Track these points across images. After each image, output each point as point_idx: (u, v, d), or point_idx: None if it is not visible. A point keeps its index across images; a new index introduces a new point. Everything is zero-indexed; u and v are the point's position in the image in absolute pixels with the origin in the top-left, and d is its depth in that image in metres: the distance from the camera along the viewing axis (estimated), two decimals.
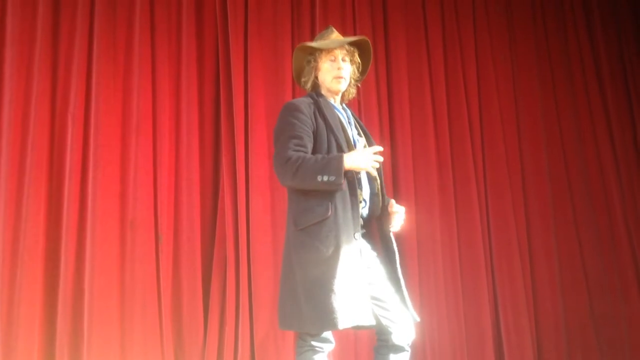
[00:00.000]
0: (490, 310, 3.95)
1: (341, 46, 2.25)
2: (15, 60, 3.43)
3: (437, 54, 4.28)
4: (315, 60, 2.26)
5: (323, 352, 2.08)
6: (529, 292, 4.07)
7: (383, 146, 3.79)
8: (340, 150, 2.12)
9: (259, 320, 3.48)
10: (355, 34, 3.88)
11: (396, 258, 2.20)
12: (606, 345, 4.09)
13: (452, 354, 3.80)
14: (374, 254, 2.20)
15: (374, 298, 2.09)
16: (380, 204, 2.24)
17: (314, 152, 2.10)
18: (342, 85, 2.26)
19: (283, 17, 3.95)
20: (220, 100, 3.77)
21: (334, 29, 2.34)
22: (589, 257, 4.26)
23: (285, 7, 3.97)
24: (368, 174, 2.21)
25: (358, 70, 2.34)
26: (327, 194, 2.05)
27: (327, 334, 2.08)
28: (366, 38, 2.33)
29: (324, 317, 1.94)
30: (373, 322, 2.06)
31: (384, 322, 2.10)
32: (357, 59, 2.31)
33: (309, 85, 2.30)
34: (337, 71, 2.23)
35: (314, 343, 2.06)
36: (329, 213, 2.02)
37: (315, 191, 2.06)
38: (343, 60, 2.25)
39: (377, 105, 4.04)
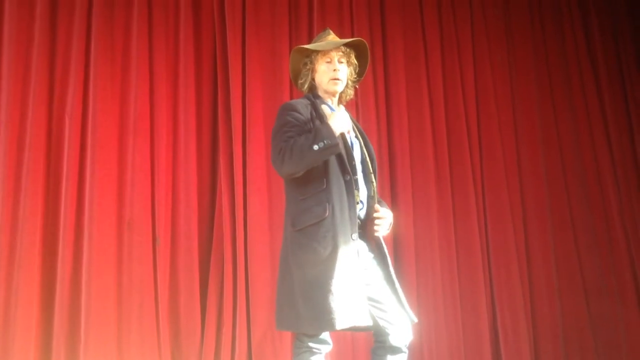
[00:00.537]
0: (487, 313, 3.95)
1: (337, 48, 2.25)
2: (12, 60, 3.43)
3: (434, 56, 4.28)
4: (312, 63, 2.26)
5: (320, 353, 2.07)
6: (527, 295, 4.07)
7: (380, 148, 3.85)
8: (339, 154, 2.11)
9: (257, 321, 3.48)
10: (352, 36, 3.88)
11: (388, 261, 2.19)
12: (603, 348, 4.09)
13: (449, 356, 3.80)
14: (371, 255, 2.19)
15: (371, 299, 2.09)
16: (374, 204, 2.23)
17: None
18: (339, 87, 2.26)
19: (281, 19, 3.96)
20: (217, 102, 3.77)
21: (331, 31, 2.35)
22: (586, 260, 4.26)
23: (283, 9, 3.98)
24: (366, 177, 2.21)
25: (355, 72, 2.33)
26: (325, 195, 2.05)
27: (325, 335, 2.08)
28: (362, 39, 2.33)
29: (322, 318, 1.94)
30: (370, 323, 2.06)
31: (382, 323, 2.10)
32: (354, 60, 2.31)
33: (305, 87, 2.30)
34: (333, 73, 2.22)
35: (311, 344, 2.06)
36: (327, 214, 2.02)
37: (312, 192, 2.06)
38: (339, 62, 2.24)
39: (375, 107, 4.04)
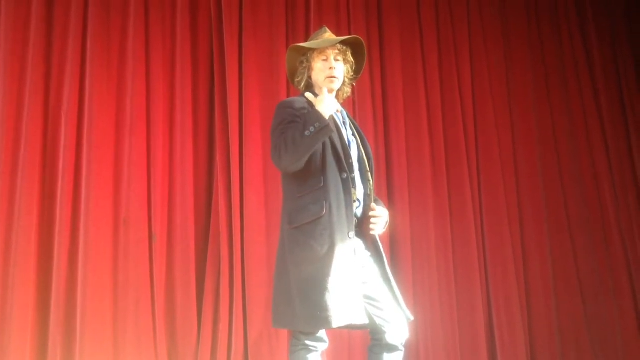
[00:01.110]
0: (483, 312, 3.96)
1: (333, 46, 2.24)
2: (8, 58, 3.42)
3: (431, 57, 4.29)
4: (308, 61, 2.26)
5: (317, 351, 2.08)
6: (523, 294, 4.08)
7: (377, 148, 3.85)
8: (334, 149, 2.12)
9: (253, 320, 3.48)
10: (349, 35, 3.89)
11: (384, 259, 2.20)
12: (599, 347, 4.10)
13: (445, 354, 3.81)
14: (368, 253, 2.20)
15: (367, 297, 2.09)
16: (371, 202, 2.24)
17: None
18: (335, 85, 2.26)
19: (278, 19, 3.96)
20: (214, 100, 3.77)
21: (327, 29, 2.35)
22: (582, 260, 4.27)
23: (280, 9, 3.98)
24: (363, 175, 2.22)
25: (352, 70, 2.33)
26: (322, 193, 2.05)
27: (321, 333, 2.09)
28: (359, 37, 2.33)
29: (318, 316, 1.94)
30: (366, 321, 2.06)
31: (378, 321, 2.10)
32: (350, 58, 2.31)
33: (302, 85, 2.30)
34: (330, 71, 2.22)
35: (307, 342, 2.06)
36: (324, 212, 2.02)
37: (310, 190, 2.07)
38: (335, 59, 2.24)
39: (372, 107, 4.04)
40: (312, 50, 2.26)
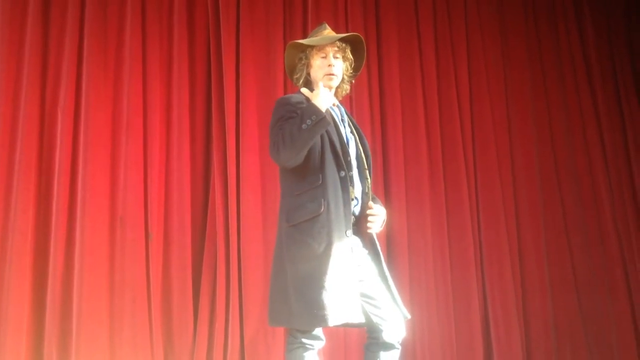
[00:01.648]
0: (480, 309, 3.97)
1: (332, 43, 2.23)
2: (4, 56, 3.40)
3: (429, 54, 4.29)
4: (307, 58, 2.25)
5: (313, 349, 2.07)
6: (519, 291, 4.09)
7: (374, 145, 3.85)
8: (333, 147, 2.11)
9: (249, 318, 3.48)
10: (347, 33, 3.89)
11: (381, 257, 2.19)
12: (594, 344, 4.12)
13: (441, 352, 3.82)
14: (365, 251, 2.19)
15: (364, 295, 2.09)
16: (368, 200, 2.23)
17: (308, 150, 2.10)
18: (334, 83, 2.24)
19: (275, 18, 3.95)
20: (211, 98, 3.76)
21: (327, 26, 2.33)
22: (578, 257, 4.29)
23: (278, 7, 3.97)
24: (361, 173, 2.21)
25: (351, 67, 2.32)
26: (320, 191, 2.04)
27: (318, 331, 2.08)
28: (358, 34, 2.32)
29: (314, 314, 1.94)
30: (363, 320, 2.06)
31: (375, 319, 2.09)
32: (350, 55, 2.29)
33: (301, 82, 2.28)
34: (328, 68, 2.21)
35: (304, 340, 2.05)
36: (322, 210, 2.02)
37: (308, 188, 2.06)
38: (334, 57, 2.23)
39: (369, 105, 4.04)
40: (311, 47, 2.24)
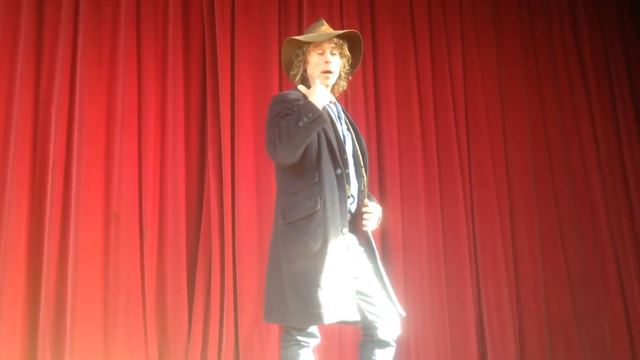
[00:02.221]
0: (474, 306, 3.98)
1: (329, 39, 2.23)
2: None
3: (424, 52, 4.28)
4: (304, 54, 2.24)
5: (308, 346, 2.08)
6: (512, 288, 4.10)
7: (369, 143, 3.85)
8: (330, 145, 2.11)
9: (244, 316, 3.48)
10: (343, 29, 3.88)
11: (376, 255, 2.19)
12: (588, 341, 4.14)
13: (435, 349, 3.83)
14: (361, 249, 2.20)
15: (359, 293, 2.09)
16: (364, 198, 2.23)
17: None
18: (331, 80, 2.24)
19: (270, 15, 3.93)
20: (206, 96, 3.75)
21: (325, 22, 2.32)
22: (571, 254, 4.31)
23: (273, 5, 3.96)
24: (357, 170, 2.21)
25: (348, 64, 2.31)
26: (317, 188, 2.04)
27: (313, 329, 2.08)
28: (355, 31, 2.31)
29: (310, 312, 1.94)
30: (358, 318, 2.06)
31: (370, 317, 2.10)
32: (347, 52, 2.28)
33: (298, 78, 2.27)
34: (325, 65, 2.20)
35: (299, 337, 2.06)
36: (318, 207, 2.01)
37: (304, 186, 2.05)
38: (331, 53, 2.22)
39: (364, 102, 4.04)
40: (308, 43, 2.23)
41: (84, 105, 3.46)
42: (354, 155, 2.23)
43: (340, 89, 2.35)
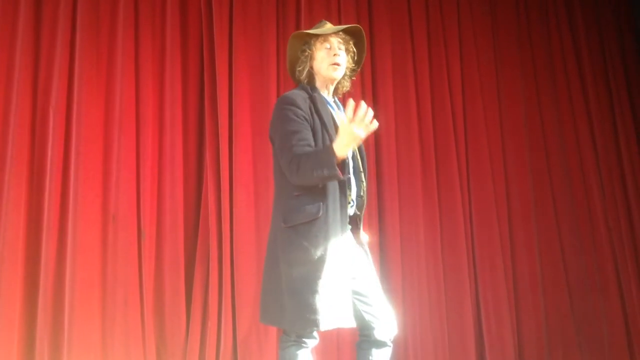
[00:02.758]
0: (472, 308, 3.98)
1: (335, 33, 2.22)
2: None
3: (421, 52, 4.29)
4: (310, 49, 2.23)
5: (307, 347, 2.08)
6: (511, 290, 4.10)
7: (367, 145, 3.85)
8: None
9: (242, 317, 3.48)
10: None
11: (369, 257, 2.21)
12: (586, 342, 4.14)
13: (434, 350, 3.82)
14: (359, 250, 2.20)
15: (356, 293, 2.09)
16: (363, 203, 2.23)
17: None
18: (338, 73, 2.23)
19: (268, 16, 3.94)
20: (204, 97, 3.75)
21: (327, 22, 2.32)
22: (569, 256, 4.31)
23: (271, 7, 3.96)
24: (356, 175, 2.20)
25: (353, 60, 2.31)
26: (320, 193, 2.03)
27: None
28: (360, 26, 2.30)
29: (307, 318, 1.93)
30: (355, 325, 2.06)
31: (367, 317, 2.10)
32: (352, 47, 2.29)
33: (304, 74, 2.25)
34: (333, 58, 2.19)
35: (298, 338, 2.06)
36: (320, 213, 2.00)
37: (307, 190, 2.04)
38: (338, 47, 2.22)
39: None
40: (315, 38, 2.23)
41: (81, 107, 3.45)
42: (354, 158, 2.22)
43: (343, 88, 2.35)
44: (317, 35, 2.22)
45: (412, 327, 3.74)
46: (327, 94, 2.28)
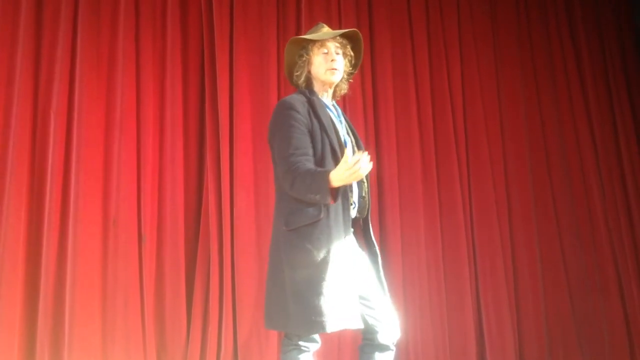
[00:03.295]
0: (473, 310, 3.98)
1: (333, 38, 2.23)
2: None
3: (421, 54, 4.29)
4: (308, 54, 2.23)
5: (308, 351, 2.07)
6: (511, 292, 4.10)
7: (367, 146, 3.84)
8: (333, 151, 2.09)
9: (242, 320, 3.47)
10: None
11: (379, 260, 2.19)
12: (586, 343, 4.14)
13: (434, 352, 3.82)
14: (362, 253, 2.19)
15: (360, 297, 2.08)
16: (366, 205, 2.22)
17: None
18: (336, 77, 2.23)
19: (268, 18, 3.93)
20: (205, 99, 3.74)
21: (324, 25, 2.32)
22: (570, 256, 4.31)
23: (271, 8, 3.95)
24: None
25: (350, 64, 2.31)
26: None
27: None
28: (357, 30, 2.31)
29: (312, 320, 1.93)
30: (362, 326, 2.05)
31: (370, 321, 2.09)
32: (350, 51, 2.29)
33: (302, 79, 2.25)
34: (331, 63, 2.20)
35: (299, 342, 2.05)
36: (322, 215, 1.99)
37: None
38: (336, 52, 2.22)
39: (362, 105, 4.04)
40: (312, 43, 2.23)
41: (82, 109, 3.44)
42: None
43: (341, 91, 2.35)
44: (314, 41, 2.23)
45: (412, 327, 3.73)
46: (325, 97, 2.28)
